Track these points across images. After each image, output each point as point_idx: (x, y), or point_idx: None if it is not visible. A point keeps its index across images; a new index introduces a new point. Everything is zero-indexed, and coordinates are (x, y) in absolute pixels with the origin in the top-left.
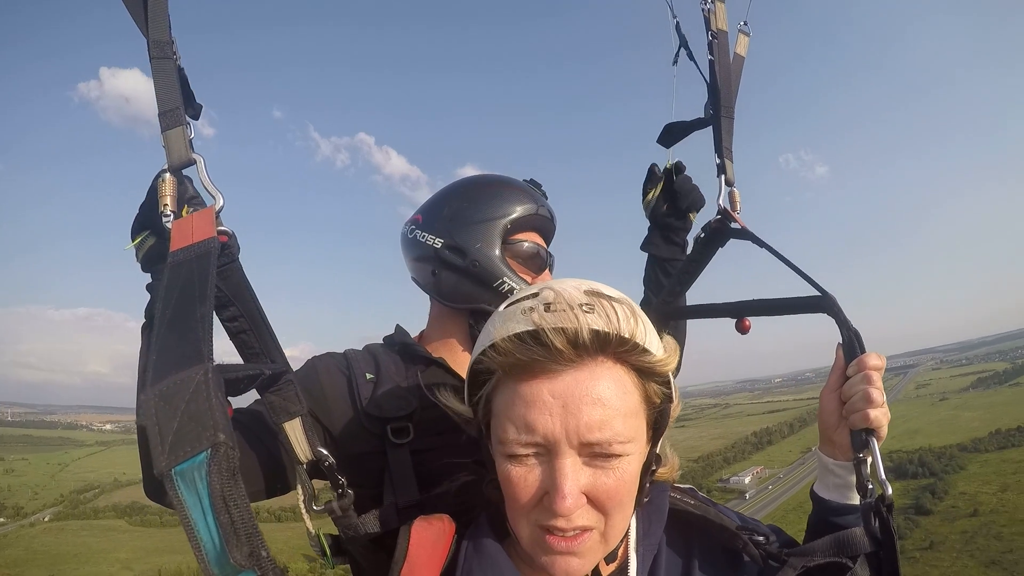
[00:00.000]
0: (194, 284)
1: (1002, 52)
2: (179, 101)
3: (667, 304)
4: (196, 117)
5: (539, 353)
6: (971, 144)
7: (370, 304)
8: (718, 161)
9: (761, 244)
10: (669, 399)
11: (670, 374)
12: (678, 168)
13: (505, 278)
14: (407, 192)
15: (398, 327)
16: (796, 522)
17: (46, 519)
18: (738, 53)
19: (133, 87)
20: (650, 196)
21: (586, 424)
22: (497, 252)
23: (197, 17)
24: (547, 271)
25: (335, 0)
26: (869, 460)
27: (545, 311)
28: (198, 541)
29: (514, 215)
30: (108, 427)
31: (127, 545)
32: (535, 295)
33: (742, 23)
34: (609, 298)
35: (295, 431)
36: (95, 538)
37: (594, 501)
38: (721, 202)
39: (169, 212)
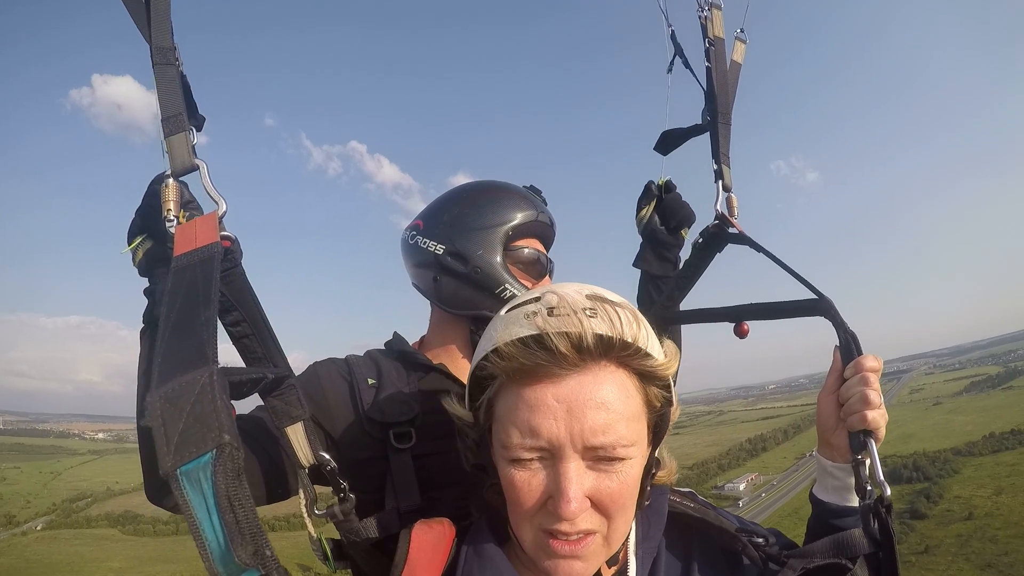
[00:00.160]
0: (198, 288)
1: (996, 35)
2: (182, 107)
3: (666, 309)
4: (199, 128)
5: (543, 357)
6: (971, 144)
7: (364, 313)
8: (716, 167)
9: (758, 249)
10: (669, 403)
11: (671, 378)
12: (667, 187)
13: (507, 284)
14: (399, 200)
15: (396, 335)
16: (791, 528)
17: (39, 528)
18: (735, 60)
19: (125, 94)
20: (643, 212)
21: (590, 428)
22: (499, 258)
23: (189, 21)
24: (547, 277)
25: (328, 7)
26: (867, 462)
27: (549, 315)
28: (203, 540)
29: (515, 221)
30: (100, 436)
31: (120, 554)
32: (537, 299)
33: (739, 30)
34: (612, 302)
35: (297, 435)
36: (88, 547)
37: (597, 505)
38: (719, 207)
39: (173, 217)
